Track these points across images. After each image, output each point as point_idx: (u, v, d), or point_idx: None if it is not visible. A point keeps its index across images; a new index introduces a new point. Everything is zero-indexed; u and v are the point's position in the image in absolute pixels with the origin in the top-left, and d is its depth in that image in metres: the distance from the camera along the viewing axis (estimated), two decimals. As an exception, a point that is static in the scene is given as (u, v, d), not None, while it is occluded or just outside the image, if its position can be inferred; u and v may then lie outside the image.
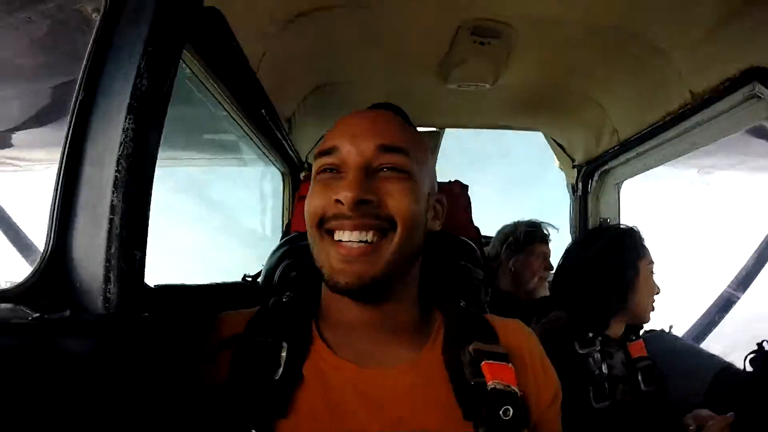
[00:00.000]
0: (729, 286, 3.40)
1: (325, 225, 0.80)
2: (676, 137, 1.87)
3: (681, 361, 1.52)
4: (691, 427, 1.20)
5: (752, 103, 1.47)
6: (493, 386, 0.78)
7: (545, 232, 2.31)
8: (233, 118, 1.73)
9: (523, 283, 2.25)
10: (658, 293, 1.46)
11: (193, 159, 2.47)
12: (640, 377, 1.43)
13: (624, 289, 1.44)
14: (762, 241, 3.33)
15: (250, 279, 1.25)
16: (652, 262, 1.49)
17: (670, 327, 1.66)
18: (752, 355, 1.27)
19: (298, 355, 0.80)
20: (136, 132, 0.65)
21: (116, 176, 0.64)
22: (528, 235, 2.28)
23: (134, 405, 0.64)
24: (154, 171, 0.69)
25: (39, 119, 1.20)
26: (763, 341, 1.24)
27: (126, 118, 0.65)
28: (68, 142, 0.67)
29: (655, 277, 1.48)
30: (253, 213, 2.87)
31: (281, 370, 0.78)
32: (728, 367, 1.40)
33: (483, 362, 0.81)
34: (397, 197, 0.80)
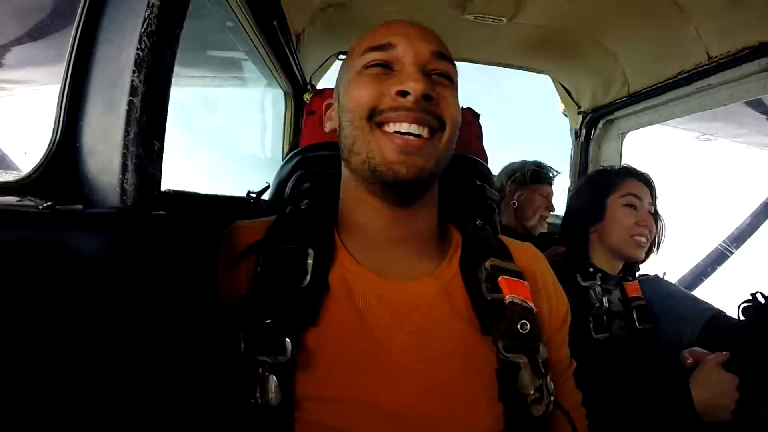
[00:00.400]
0: (723, 242, 3.49)
1: (377, 117, 0.77)
2: (686, 96, 1.88)
3: (675, 305, 1.57)
4: (688, 361, 1.28)
5: (765, 75, 1.49)
6: (510, 300, 0.81)
7: (551, 174, 2.36)
8: (243, 28, 1.67)
9: (524, 219, 2.31)
10: (642, 226, 1.49)
11: (194, 77, 2.33)
12: (635, 315, 1.51)
13: (586, 223, 1.55)
14: (759, 204, 3.38)
15: (254, 195, 1.21)
16: (626, 195, 1.53)
17: (664, 273, 1.71)
18: (745, 305, 1.33)
19: (323, 262, 0.80)
20: (161, 8, 0.60)
21: (137, 55, 0.59)
22: (535, 174, 2.32)
23: (151, 311, 0.59)
24: (175, 53, 0.64)
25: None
26: (756, 292, 1.30)
27: None
28: (83, 17, 0.63)
29: (636, 212, 1.51)
30: (254, 133, 2.82)
31: (308, 277, 0.77)
32: (720, 314, 1.46)
33: (500, 277, 0.83)
34: (450, 101, 0.81)
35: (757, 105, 2.43)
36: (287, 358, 0.71)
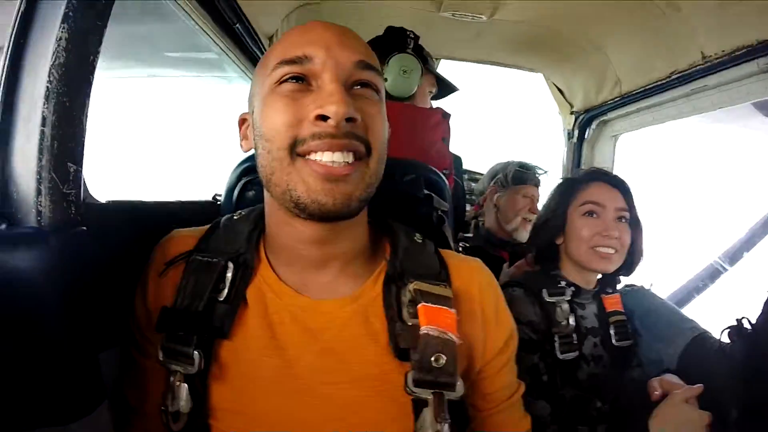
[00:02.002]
0: (719, 258, 3.42)
1: (298, 147, 0.71)
2: (681, 97, 1.84)
3: (657, 321, 1.50)
4: (656, 392, 1.19)
5: (767, 76, 1.42)
6: (426, 331, 0.76)
7: (536, 175, 2.27)
8: (207, 34, 1.65)
9: (505, 222, 2.25)
10: (604, 236, 1.38)
11: (176, 76, 2.39)
12: (612, 331, 1.43)
13: (550, 234, 1.48)
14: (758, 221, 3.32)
15: (220, 198, 1.19)
16: (585, 203, 1.43)
17: (650, 285, 1.63)
18: (729, 330, 1.23)
19: (243, 277, 0.81)
20: (70, 41, 0.65)
21: (47, 87, 0.65)
22: (518, 174, 2.26)
23: (71, 320, 0.68)
24: (91, 83, 0.70)
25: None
26: (742, 317, 1.21)
27: (60, 27, 0.65)
28: (8, 53, 0.68)
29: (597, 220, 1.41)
30: (233, 131, 2.78)
31: (226, 291, 0.79)
32: (704, 335, 1.38)
33: (420, 304, 0.78)
34: (376, 120, 0.75)
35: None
36: (195, 370, 0.74)
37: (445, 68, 2.74)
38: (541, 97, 2.83)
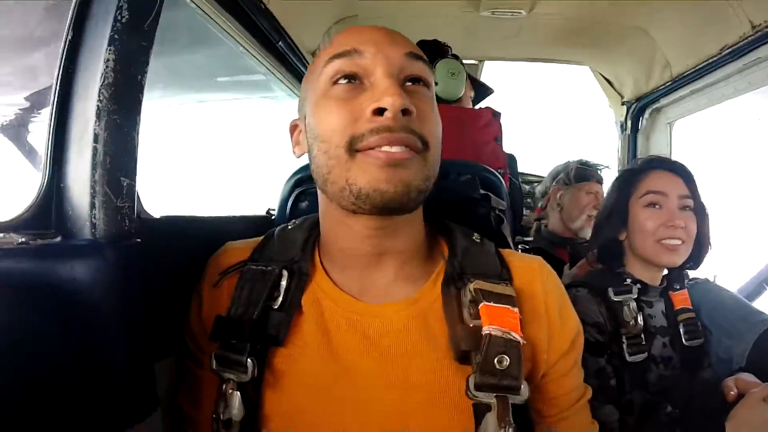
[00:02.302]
0: None
1: (358, 144, 0.70)
2: (734, 74, 1.76)
3: (726, 315, 1.40)
4: (732, 392, 1.12)
5: None
6: (488, 332, 0.73)
7: (598, 171, 2.24)
8: (253, 55, 1.72)
9: (569, 221, 2.21)
10: (670, 227, 1.30)
11: (224, 99, 2.43)
12: (682, 330, 1.35)
13: (613, 230, 1.40)
14: None
15: (274, 212, 1.22)
16: (646, 194, 1.36)
17: (714, 277, 1.55)
18: None
19: (298, 284, 0.81)
20: (117, 62, 0.69)
21: (98, 105, 0.68)
22: (580, 171, 2.23)
23: (127, 329, 0.70)
24: (140, 100, 0.74)
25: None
26: None
27: (106, 49, 0.69)
28: (59, 77, 0.72)
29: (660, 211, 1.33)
30: (283, 149, 2.86)
31: (281, 299, 0.79)
32: None
33: (482, 304, 0.75)
34: (430, 116, 0.75)
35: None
36: (249, 378, 0.74)
37: (490, 70, 2.75)
38: (590, 91, 2.78)
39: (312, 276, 0.82)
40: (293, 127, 0.86)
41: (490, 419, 0.70)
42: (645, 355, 1.27)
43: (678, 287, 1.41)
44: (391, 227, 0.77)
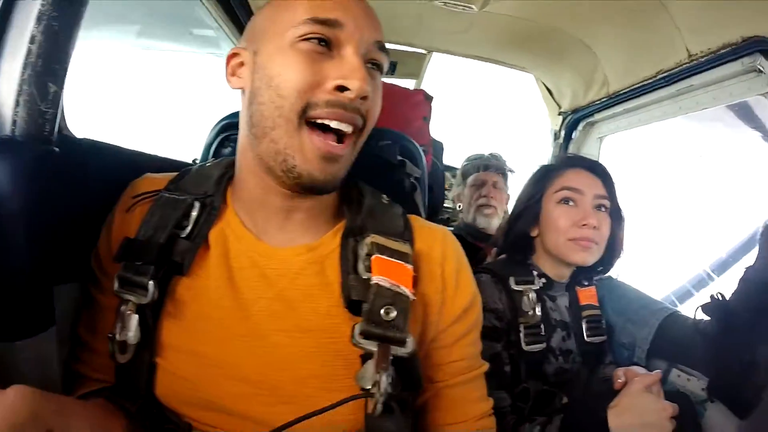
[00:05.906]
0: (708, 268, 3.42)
1: (310, 111, 0.74)
2: (667, 98, 1.82)
3: (630, 304, 1.51)
4: (619, 380, 1.18)
5: (752, 76, 1.41)
6: (376, 281, 0.77)
7: (486, 161, 2.30)
8: (208, 9, 1.75)
9: (466, 217, 2.28)
10: (582, 227, 1.33)
11: (173, 51, 2.49)
12: (584, 325, 1.41)
13: (524, 225, 1.43)
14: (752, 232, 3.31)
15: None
16: (561, 189, 1.38)
17: (617, 275, 1.63)
18: (703, 307, 1.21)
19: (208, 217, 0.83)
20: None
21: (40, 9, 0.72)
22: (464, 169, 2.32)
23: (31, 238, 0.72)
24: (81, 14, 0.77)
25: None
26: (717, 293, 1.20)
27: None
28: None
29: (574, 209, 1.36)
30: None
31: (189, 228, 0.81)
32: (676, 314, 1.40)
33: (374, 256, 0.79)
34: (377, 101, 0.80)
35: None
36: (148, 300, 0.76)
37: (439, 63, 2.76)
38: (532, 98, 2.83)
39: (221, 212, 0.85)
40: (233, 55, 0.84)
41: (369, 365, 0.73)
42: (543, 346, 1.31)
43: (586, 283, 1.46)
44: (309, 198, 0.82)
